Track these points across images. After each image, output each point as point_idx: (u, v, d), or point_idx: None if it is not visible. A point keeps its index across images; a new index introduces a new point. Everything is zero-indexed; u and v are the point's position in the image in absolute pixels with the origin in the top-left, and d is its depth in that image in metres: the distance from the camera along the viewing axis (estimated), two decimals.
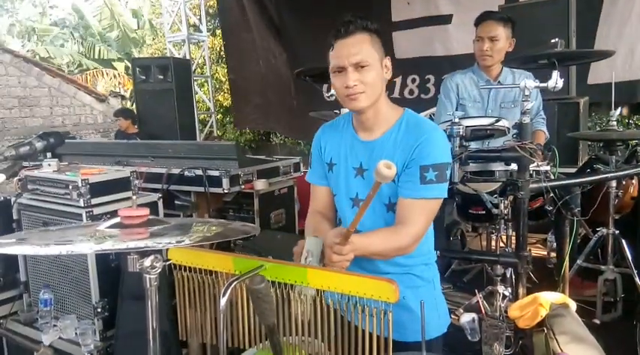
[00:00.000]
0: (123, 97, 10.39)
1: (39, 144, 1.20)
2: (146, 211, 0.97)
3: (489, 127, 1.91)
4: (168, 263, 0.97)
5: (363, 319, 1.05)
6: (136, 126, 6.02)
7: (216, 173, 3.08)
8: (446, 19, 4.96)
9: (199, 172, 3.13)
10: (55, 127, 8.32)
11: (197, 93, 7.46)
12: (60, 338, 2.40)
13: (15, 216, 2.73)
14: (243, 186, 3.18)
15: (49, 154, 2.95)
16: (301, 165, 3.79)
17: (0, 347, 2.69)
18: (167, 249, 1.02)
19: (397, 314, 1.07)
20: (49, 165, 2.72)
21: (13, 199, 2.72)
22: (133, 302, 2.37)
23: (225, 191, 3.08)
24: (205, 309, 1.21)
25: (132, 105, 11.10)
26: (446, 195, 1.41)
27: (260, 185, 3.22)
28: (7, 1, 13.55)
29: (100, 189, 2.52)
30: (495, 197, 2.14)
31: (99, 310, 2.41)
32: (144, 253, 0.90)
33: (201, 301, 1.22)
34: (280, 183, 3.48)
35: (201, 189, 3.12)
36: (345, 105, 1.43)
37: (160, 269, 0.93)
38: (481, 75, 2.73)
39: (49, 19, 13.69)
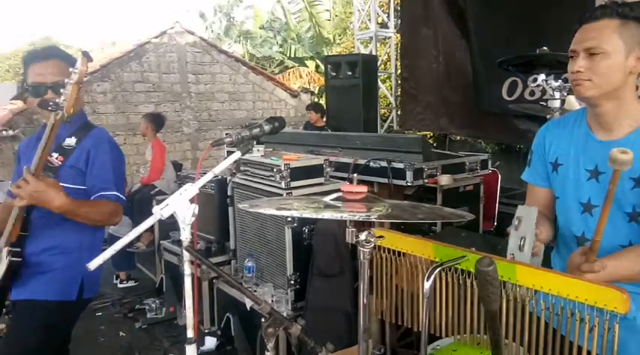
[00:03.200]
0: (312, 93, 11.26)
1: (267, 127, 1.37)
2: (364, 188, 1.03)
3: None
4: (381, 239, 1.02)
5: (580, 331, 0.94)
6: (324, 120, 6.45)
7: (400, 165, 3.11)
8: None
9: (384, 164, 3.20)
10: (256, 119, 9.44)
11: (380, 88, 7.63)
12: None
13: (229, 193, 3.17)
14: (426, 180, 3.15)
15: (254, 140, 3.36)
16: (489, 162, 3.60)
17: (211, 301, 3.18)
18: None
19: (622, 335, 0.93)
20: (258, 150, 3.11)
21: (228, 178, 3.17)
22: (321, 279, 2.57)
23: (409, 184, 3.09)
24: (402, 292, 1.24)
25: (319, 100, 11.95)
26: None
27: (444, 180, 3.15)
28: (228, 5, 15.87)
29: (298, 173, 2.78)
30: None
31: (292, 282, 2.67)
32: (361, 227, 0.97)
33: (399, 283, 1.25)
34: (466, 179, 3.36)
35: (384, 180, 3.19)
36: (574, 93, 1.31)
37: (373, 244, 0.99)
38: None
39: (259, 23, 15.60)
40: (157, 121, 4.90)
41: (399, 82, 7.71)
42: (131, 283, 4.39)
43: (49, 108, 1.48)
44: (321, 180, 2.87)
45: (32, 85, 1.74)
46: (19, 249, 1.66)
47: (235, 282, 1.26)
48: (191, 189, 1.23)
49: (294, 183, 2.74)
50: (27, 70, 1.79)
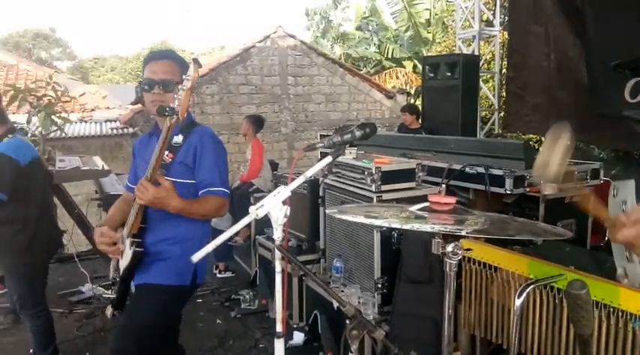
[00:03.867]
0: (409, 94, 11.10)
1: (358, 133, 1.39)
2: (453, 199, 1.02)
3: None
4: (468, 252, 1.00)
5: None
6: (419, 122, 6.33)
7: (499, 172, 2.97)
8: None
9: (481, 170, 3.07)
10: (351, 120, 9.54)
11: (481, 88, 7.32)
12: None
13: (321, 194, 3.25)
14: (528, 189, 2.97)
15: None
16: (601, 172, 3.29)
17: (300, 297, 3.28)
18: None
19: None
20: (350, 152, 3.14)
21: (320, 179, 3.25)
22: (409, 285, 2.53)
23: (508, 192, 2.94)
24: (492, 306, 1.19)
25: (415, 102, 11.74)
26: None
27: (548, 189, 2.94)
28: (326, 8, 16.27)
29: (389, 177, 2.77)
30: None
31: (379, 286, 2.66)
32: (447, 238, 0.95)
33: (491, 296, 1.21)
34: (573, 189, 3.10)
35: (481, 187, 3.06)
36: None
37: (460, 257, 0.97)
38: None
39: (356, 24, 15.79)
40: (257, 123, 5.16)
41: (503, 82, 7.32)
42: (228, 274, 4.68)
43: (166, 113, 1.60)
44: (412, 184, 2.84)
45: (145, 80, 1.92)
46: (140, 240, 1.84)
47: (322, 283, 1.29)
48: (284, 192, 1.30)
49: (384, 187, 2.74)
50: (144, 69, 1.98)
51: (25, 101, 5.18)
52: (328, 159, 1.42)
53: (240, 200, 4.75)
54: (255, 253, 4.11)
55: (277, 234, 1.31)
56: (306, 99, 9.60)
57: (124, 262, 1.89)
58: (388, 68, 13.63)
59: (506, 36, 7.14)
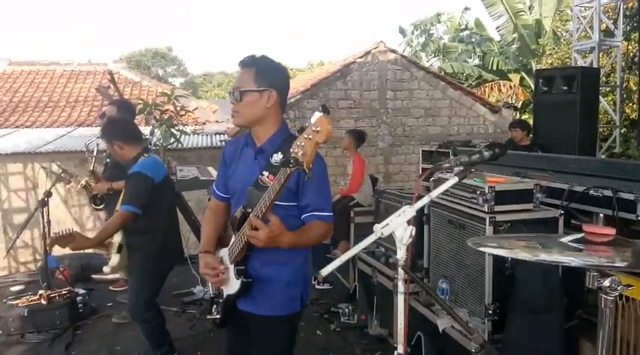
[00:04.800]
0: (515, 108, 10.52)
1: (486, 154, 1.35)
2: (612, 231, 0.94)
3: None
4: (629, 288, 0.91)
5: None
6: (529, 138, 5.97)
7: (630, 196, 2.69)
8: None
9: (607, 193, 2.81)
10: (451, 135, 9.24)
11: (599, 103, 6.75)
12: (452, 326, 2.66)
13: (426, 211, 3.17)
14: None
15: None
16: None
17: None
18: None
19: None
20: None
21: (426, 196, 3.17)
22: (525, 314, 2.37)
23: (639, 218, 2.66)
24: (629, 346, 1.07)
25: (521, 116, 11.09)
26: None
27: None
28: (427, 21, 16.13)
29: (503, 197, 2.63)
30: None
31: (490, 312, 2.53)
32: (604, 273, 0.88)
33: (624, 335, 1.09)
34: None
35: (607, 211, 2.80)
36: None
37: (618, 293, 0.88)
38: None
39: (456, 37, 15.41)
40: (359, 138, 5.21)
41: (625, 95, 6.70)
42: (327, 286, 4.73)
43: (290, 165, 1.44)
44: (529, 206, 2.67)
45: None
46: (243, 267, 1.81)
47: (451, 310, 1.26)
48: (409, 211, 1.29)
49: (497, 208, 2.61)
50: None
51: (151, 115, 5.74)
52: (454, 179, 1.39)
53: (340, 214, 4.81)
54: (355, 267, 4.12)
55: (401, 254, 1.31)
56: (404, 113, 9.49)
57: (230, 289, 1.86)
58: (490, 81, 13.05)
59: (629, 47, 6.52)
